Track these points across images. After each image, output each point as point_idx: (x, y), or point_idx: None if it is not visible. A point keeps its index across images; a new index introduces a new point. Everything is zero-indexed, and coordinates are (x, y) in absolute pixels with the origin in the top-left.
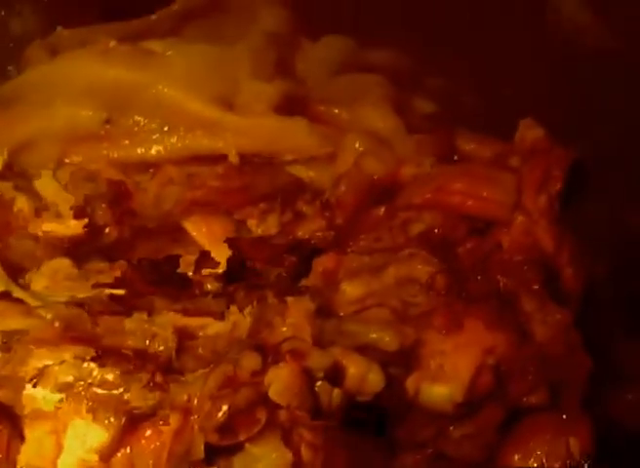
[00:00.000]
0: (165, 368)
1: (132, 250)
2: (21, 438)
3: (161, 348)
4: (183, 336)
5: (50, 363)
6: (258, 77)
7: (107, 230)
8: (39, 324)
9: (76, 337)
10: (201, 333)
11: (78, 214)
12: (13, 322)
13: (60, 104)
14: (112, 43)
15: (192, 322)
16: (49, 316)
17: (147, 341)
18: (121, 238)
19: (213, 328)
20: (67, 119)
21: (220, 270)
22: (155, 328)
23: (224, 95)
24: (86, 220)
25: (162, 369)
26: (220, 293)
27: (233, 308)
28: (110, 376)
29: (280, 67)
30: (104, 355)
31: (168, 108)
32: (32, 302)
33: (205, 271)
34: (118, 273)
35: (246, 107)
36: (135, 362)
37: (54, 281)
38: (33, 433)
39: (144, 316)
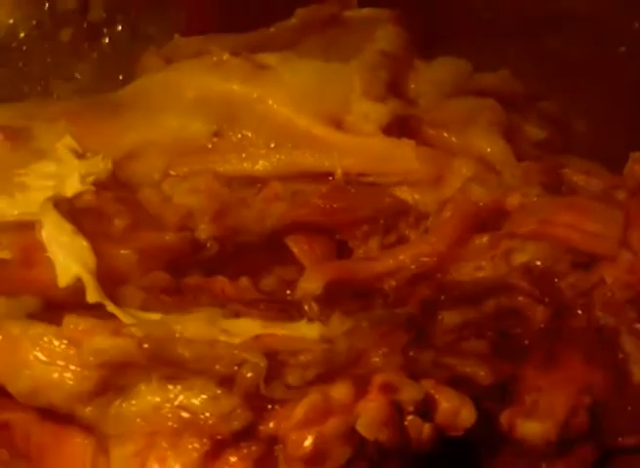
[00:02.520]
0: (252, 394)
1: (231, 266)
2: (107, 455)
3: (249, 374)
4: (273, 363)
5: (137, 383)
6: (369, 96)
7: (209, 245)
8: (128, 344)
9: (164, 359)
10: (292, 361)
11: (181, 227)
12: (101, 340)
13: (169, 115)
14: (225, 55)
15: (283, 347)
16: (139, 334)
17: (236, 367)
18: (222, 253)
19: (305, 355)
20: (176, 130)
21: (319, 292)
22: (245, 353)
23: (334, 113)
24: (188, 234)
25: (249, 395)
26: (313, 318)
27: (326, 335)
28: (196, 401)
29: (392, 87)
30: (192, 378)
31: (276, 124)
32: (125, 319)
33: (304, 292)
34: (216, 289)
35: (355, 127)
36: (222, 387)
37: (150, 296)
38: (119, 453)
39: (236, 341)
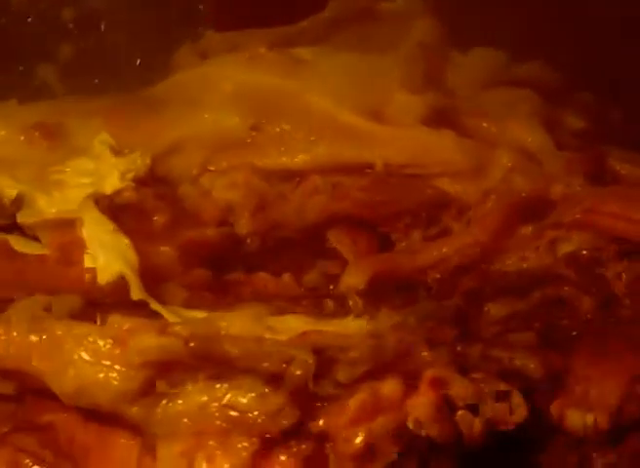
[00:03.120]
0: (301, 392)
1: (273, 262)
2: (153, 456)
3: (298, 372)
4: (322, 360)
5: (183, 382)
6: (408, 88)
7: (249, 240)
8: (174, 343)
9: (211, 358)
10: (340, 357)
11: (220, 222)
12: (147, 339)
13: (207, 110)
14: (262, 49)
15: (331, 344)
16: (185, 333)
17: (284, 365)
18: (263, 249)
19: (353, 351)
20: (214, 125)
21: (363, 286)
22: (293, 351)
23: (374, 105)
24: (228, 229)
25: (298, 393)
26: (357, 313)
27: (375, 330)
28: (244, 399)
29: (430, 79)
30: (239, 377)
31: (316, 117)
32: (170, 317)
33: (347, 287)
34: (259, 285)
35: (395, 119)
36: (270, 385)
37: (192, 293)
38: (166, 453)
39: (282, 338)
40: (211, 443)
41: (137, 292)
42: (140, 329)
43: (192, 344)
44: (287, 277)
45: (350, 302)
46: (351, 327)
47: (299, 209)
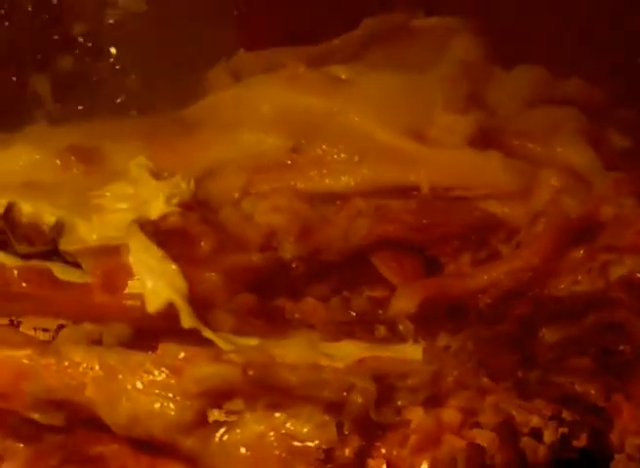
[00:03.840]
0: (362, 420)
1: (318, 286)
2: None
3: (359, 400)
4: (382, 387)
5: (241, 412)
6: (451, 108)
7: (294, 265)
8: (232, 371)
9: (269, 386)
10: (400, 384)
11: (264, 247)
12: (203, 368)
13: (245, 131)
14: (301, 68)
15: (390, 371)
16: (242, 361)
17: (344, 392)
18: (308, 273)
19: (413, 378)
20: (253, 147)
21: (413, 311)
22: (353, 378)
23: (417, 125)
24: (273, 254)
25: (359, 421)
26: (412, 338)
27: (434, 356)
28: (304, 428)
29: (473, 98)
30: (297, 405)
31: (358, 138)
32: (222, 345)
33: (397, 311)
34: (307, 311)
35: (439, 140)
36: (330, 414)
37: (240, 319)
38: None
39: (339, 365)
40: None
41: (187, 320)
42: (196, 357)
43: (251, 372)
44: (335, 302)
45: (401, 327)
46: (408, 352)
47: (343, 232)
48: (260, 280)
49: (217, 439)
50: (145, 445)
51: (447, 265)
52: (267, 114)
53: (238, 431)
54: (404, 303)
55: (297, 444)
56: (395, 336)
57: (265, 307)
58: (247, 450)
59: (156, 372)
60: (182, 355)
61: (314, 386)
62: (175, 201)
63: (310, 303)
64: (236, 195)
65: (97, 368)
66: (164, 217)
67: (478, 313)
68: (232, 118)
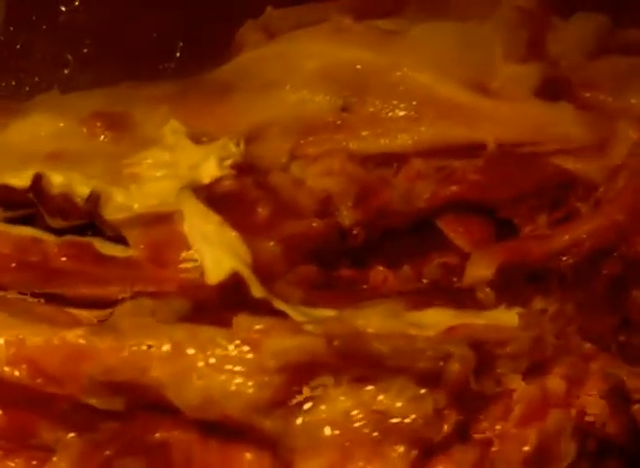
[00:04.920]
0: (461, 392)
1: (381, 253)
2: None
3: (458, 369)
4: (479, 355)
5: (325, 387)
6: (512, 58)
7: (355, 231)
8: (315, 342)
9: (357, 358)
10: (498, 352)
11: (319, 213)
12: (284, 340)
13: (288, 91)
14: (347, 21)
15: (486, 338)
16: (327, 331)
17: (441, 362)
18: (369, 240)
19: (512, 345)
20: (298, 107)
21: (490, 277)
22: (449, 346)
23: (478, 77)
24: (331, 220)
25: (457, 393)
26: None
27: (531, 322)
28: (398, 403)
29: (533, 47)
30: (387, 378)
31: (415, 94)
32: (295, 316)
33: (473, 279)
34: (376, 280)
35: (503, 92)
36: (425, 386)
37: (307, 291)
38: (306, 467)
39: (429, 334)
40: (359, 454)
41: (257, 290)
42: (275, 329)
43: (337, 343)
44: (406, 270)
45: (480, 294)
46: (502, 318)
47: (404, 196)
48: (319, 249)
49: (299, 418)
50: (214, 428)
51: (522, 227)
52: (313, 71)
53: (323, 408)
54: (480, 270)
55: (389, 420)
56: (475, 305)
57: (328, 278)
58: (332, 430)
59: (230, 347)
60: (260, 327)
61: (407, 356)
62: (228, 163)
63: (380, 272)
64: (283, 159)
65: (162, 345)
66: (217, 182)
67: (560, 276)
68: (273, 77)
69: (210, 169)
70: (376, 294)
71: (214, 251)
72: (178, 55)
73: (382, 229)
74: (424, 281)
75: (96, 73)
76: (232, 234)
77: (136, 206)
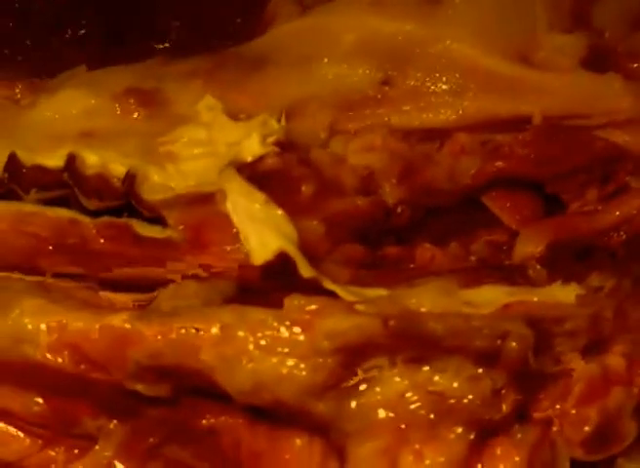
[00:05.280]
0: (519, 371)
1: (426, 232)
2: (341, 457)
3: (515, 347)
4: (537, 333)
5: (380, 368)
6: (557, 28)
7: (399, 209)
8: (370, 322)
9: (413, 338)
10: (556, 329)
11: (362, 191)
12: (338, 321)
13: (326, 64)
14: None
15: (544, 315)
16: (382, 311)
17: (498, 341)
18: (414, 218)
19: (570, 322)
20: (337, 81)
21: (540, 254)
22: (507, 324)
23: (521, 49)
24: (375, 198)
25: (516, 372)
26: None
27: (589, 298)
28: (454, 383)
29: (578, 17)
30: (443, 358)
31: (458, 66)
32: (345, 296)
33: (523, 256)
34: (423, 258)
35: (549, 63)
36: (483, 365)
37: (351, 271)
38: (360, 452)
39: (484, 312)
40: (415, 436)
41: (306, 270)
42: (328, 309)
43: (392, 323)
44: (454, 247)
45: (531, 272)
46: (558, 295)
47: (449, 172)
48: (363, 228)
49: (352, 401)
50: (262, 413)
51: (570, 203)
52: (351, 44)
53: (377, 390)
54: (530, 247)
55: (446, 401)
56: (526, 282)
57: (373, 257)
58: (387, 412)
59: (282, 329)
60: (313, 307)
61: (463, 335)
62: (271, 140)
63: (427, 249)
64: (323, 135)
65: (211, 328)
66: (260, 160)
67: (610, 252)
68: (310, 50)
69: (252, 146)
70: (424, 273)
71: (259, 230)
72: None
73: (427, 207)
74: (472, 259)
75: None
76: (278, 212)
77: (174, 185)
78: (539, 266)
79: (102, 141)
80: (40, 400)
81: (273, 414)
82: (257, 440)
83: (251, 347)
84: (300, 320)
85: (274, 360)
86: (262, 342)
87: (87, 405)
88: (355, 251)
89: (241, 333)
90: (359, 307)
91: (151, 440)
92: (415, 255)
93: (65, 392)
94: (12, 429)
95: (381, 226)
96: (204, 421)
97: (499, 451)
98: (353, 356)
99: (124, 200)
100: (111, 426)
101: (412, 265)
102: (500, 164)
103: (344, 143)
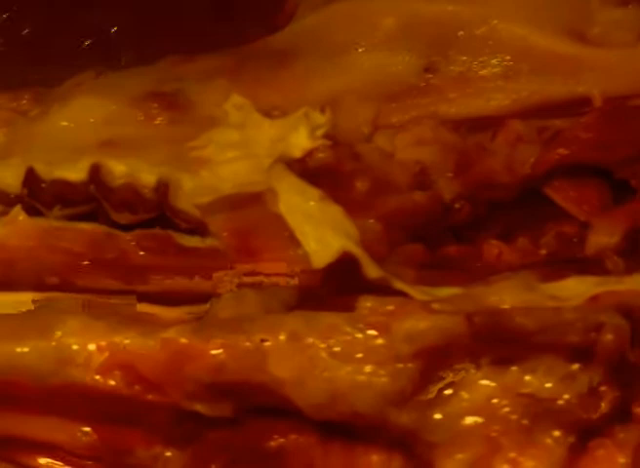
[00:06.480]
0: (617, 365)
1: (487, 227)
2: None
3: (611, 339)
4: (634, 323)
5: (466, 371)
6: (610, 2)
7: (457, 205)
8: (454, 322)
9: (499, 336)
10: None
11: (416, 188)
12: (417, 322)
13: (363, 53)
14: None
15: (637, 305)
16: (465, 309)
17: (593, 334)
18: (474, 214)
19: None
20: (376, 70)
21: (616, 244)
22: (601, 315)
23: (574, 25)
24: (433, 193)
25: (614, 366)
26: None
27: None
28: (547, 383)
29: None
30: (532, 356)
31: (507, 47)
32: (418, 296)
33: (598, 247)
34: (490, 255)
35: (606, 39)
36: (578, 361)
37: (415, 271)
38: (450, 465)
39: (574, 303)
40: (509, 444)
41: (374, 270)
42: (405, 309)
43: (477, 320)
44: (523, 242)
45: (608, 263)
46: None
47: (506, 162)
48: (420, 226)
49: (437, 409)
50: (335, 430)
51: None
52: (389, 30)
53: (464, 396)
54: (605, 237)
55: (539, 403)
56: (605, 274)
57: (434, 257)
58: (476, 419)
59: (357, 333)
60: (389, 308)
61: (555, 330)
62: (320, 133)
63: (494, 246)
64: (366, 130)
65: (277, 337)
66: (309, 154)
67: None
68: (343, 39)
69: (300, 141)
70: (493, 271)
71: (318, 230)
72: None
73: (487, 201)
74: (542, 253)
75: None
76: (337, 209)
77: (211, 192)
78: (616, 257)
79: (127, 150)
80: (88, 429)
81: (346, 430)
82: (330, 458)
83: (323, 355)
84: (375, 322)
85: (349, 367)
86: (336, 349)
87: (140, 432)
88: (415, 251)
89: (311, 341)
90: (436, 306)
91: (213, 467)
92: (478, 253)
93: (116, 419)
94: (58, 464)
95: (439, 224)
96: (271, 442)
97: (600, 454)
98: (435, 359)
99: (157, 212)
100: (168, 454)
101: (478, 264)
102: (561, 151)
103: (390, 138)
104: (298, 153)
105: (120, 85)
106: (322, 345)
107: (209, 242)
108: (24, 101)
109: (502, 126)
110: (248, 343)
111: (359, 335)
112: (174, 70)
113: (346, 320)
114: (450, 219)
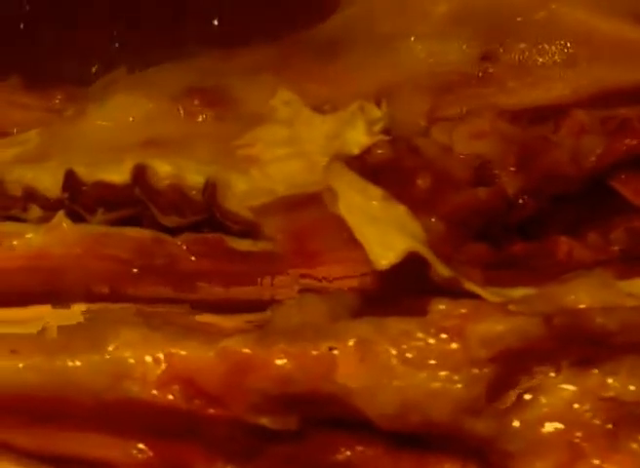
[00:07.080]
0: None
1: (553, 223)
2: None
3: None
4: None
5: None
6: None
7: (521, 200)
8: (532, 323)
9: (579, 337)
10: None
11: (477, 183)
12: (494, 324)
13: (415, 42)
14: None
15: None
16: (544, 310)
17: None
18: (539, 209)
19: None
20: (430, 60)
21: None
22: None
23: (637, 8)
24: (496, 188)
25: None
26: None
27: None
28: (631, 386)
29: None
30: (613, 358)
31: (568, 33)
32: (490, 297)
33: None
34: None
35: None
36: None
37: (482, 272)
38: None
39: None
40: (592, 451)
41: (444, 270)
42: (479, 312)
43: (556, 321)
44: (594, 237)
45: None
46: None
47: (571, 154)
48: (484, 224)
49: (515, 415)
50: (404, 441)
51: None
52: (442, 17)
53: (543, 401)
54: None
55: (622, 407)
56: None
57: (502, 257)
58: (556, 425)
59: (430, 339)
60: (463, 311)
61: (637, 330)
62: (377, 127)
63: (564, 243)
64: (422, 123)
65: (346, 344)
66: (368, 151)
67: None
68: (392, 28)
69: (358, 136)
70: (565, 269)
71: (381, 230)
72: None
73: (551, 196)
74: (615, 249)
75: None
76: (401, 208)
77: (264, 193)
78: None
79: (170, 149)
80: (143, 446)
81: (417, 440)
82: None
83: (394, 362)
84: (449, 326)
85: (423, 374)
86: (408, 355)
87: (198, 448)
88: (480, 250)
89: (382, 348)
90: (512, 308)
91: None
92: (547, 251)
93: (173, 435)
94: None
95: (503, 221)
96: (337, 455)
97: None
98: (513, 363)
99: (205, 214)
100: None
101: (547, 262)
102: (629, 141)
103: (448, 131)
104: (355, 150)
105: (156, 82)
106: (393, 352)
107: (261, 245)
108: (57, 101)
109: (565, 116)
110: (315, 352)
111: (432, 341)
112: (213, 66)
113: (418, 324)
114: (513, 216)
